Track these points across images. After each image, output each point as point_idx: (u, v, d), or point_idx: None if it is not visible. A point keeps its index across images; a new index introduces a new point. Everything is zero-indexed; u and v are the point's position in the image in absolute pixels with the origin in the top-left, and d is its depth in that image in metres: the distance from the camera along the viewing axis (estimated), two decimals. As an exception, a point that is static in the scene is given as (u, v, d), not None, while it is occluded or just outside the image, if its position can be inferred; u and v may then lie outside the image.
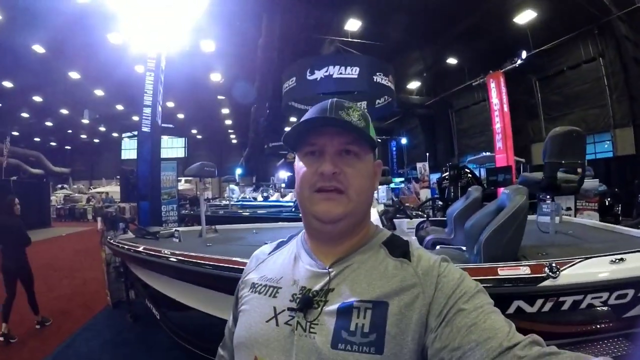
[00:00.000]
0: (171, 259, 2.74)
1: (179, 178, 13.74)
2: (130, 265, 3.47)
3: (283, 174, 18.43)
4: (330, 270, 0.68)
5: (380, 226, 0.77)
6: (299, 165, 0.70)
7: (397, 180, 19.30)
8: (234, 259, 2.50)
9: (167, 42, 7.31)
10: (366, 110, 0.81)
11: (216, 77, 17.85)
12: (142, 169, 6.47)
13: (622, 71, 13.16)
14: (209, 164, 3.90)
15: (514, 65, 11.90)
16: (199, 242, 3.40)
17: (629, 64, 12.65)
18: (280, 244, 0.83)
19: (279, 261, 0.77)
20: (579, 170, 3.14)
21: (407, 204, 5.73)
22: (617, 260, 2.19)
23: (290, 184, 8.05)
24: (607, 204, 7.87)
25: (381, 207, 3.71)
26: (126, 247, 3.21)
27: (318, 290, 0.66)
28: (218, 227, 4.14)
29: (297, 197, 0.72)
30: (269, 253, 0.82)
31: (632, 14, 12.00)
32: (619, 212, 7.97)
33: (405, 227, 3.86)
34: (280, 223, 4.85)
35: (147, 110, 6.58)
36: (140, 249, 3.05)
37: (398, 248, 0.70)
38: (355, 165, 0.67)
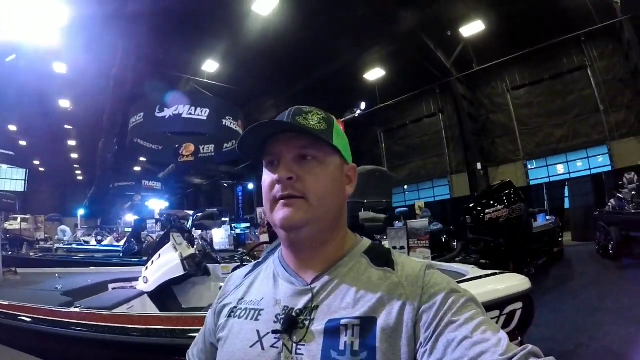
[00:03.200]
0: None
1: (14, 215, 11.40)
2: None
3: (130, 217, 16.71)
4: (312, 286, 0.64)
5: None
6: (263, 177, 0.68)
7: (243, 225, 18.47)
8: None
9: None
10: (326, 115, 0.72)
11: (65, 103, 15.77)
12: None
13: (458, 125, 15.77)
14: (7, 196, 3.49)
15: (353, 115, 12.94)
16: None
17: (464, 119, 15.16)
18: (256, 265, 0.78)
19: (257, 282, 0.73)
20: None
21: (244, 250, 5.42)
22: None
23: (138, 227, 7.25)
24: (443, 240, 8.79)
25: (191, 251, 3.28)
26: None
27: (302, 309, 0.62)
28: (20, 270, 3.60)
29: (264, 209, 0.68)
30: (245, 275, 0.77)
31: (469, 77, 14.72)
32: (456, 247, 8.97)
33: (220, 272, 3.55)
34: (92, 268, 4.31)
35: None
36: None
37: (380, 257, 0.67)
38: (315, 169, 0.64)
